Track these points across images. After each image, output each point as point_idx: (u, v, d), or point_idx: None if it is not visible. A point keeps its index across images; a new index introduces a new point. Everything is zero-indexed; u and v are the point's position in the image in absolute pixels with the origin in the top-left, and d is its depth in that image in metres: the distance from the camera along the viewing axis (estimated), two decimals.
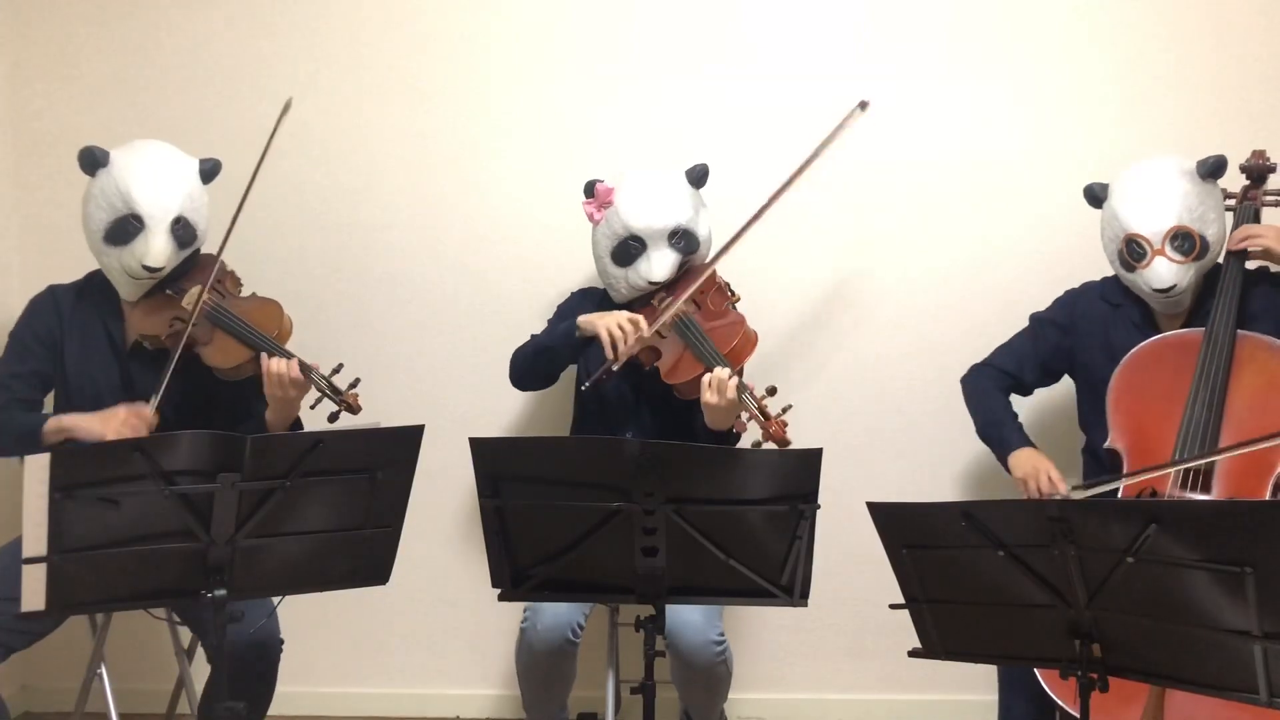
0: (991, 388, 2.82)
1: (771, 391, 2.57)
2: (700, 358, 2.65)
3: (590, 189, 2.88)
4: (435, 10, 3.25)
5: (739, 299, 2.85)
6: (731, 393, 2.52)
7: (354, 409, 2.55)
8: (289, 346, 2.63)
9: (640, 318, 2.69)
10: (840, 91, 3.17)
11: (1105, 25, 3.16)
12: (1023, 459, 2.67)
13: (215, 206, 2.73)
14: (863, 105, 2.70)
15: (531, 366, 2.83)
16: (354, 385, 2.56)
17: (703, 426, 2.63)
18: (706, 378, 2.56)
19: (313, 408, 2.57)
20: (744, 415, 2.57)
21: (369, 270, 3.30)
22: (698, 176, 2.90)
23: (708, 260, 2.84)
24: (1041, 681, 2.36)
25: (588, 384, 2.71)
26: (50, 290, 2.74)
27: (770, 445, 2.48)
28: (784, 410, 2.53)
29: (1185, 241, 2.56)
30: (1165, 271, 2.56)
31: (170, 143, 2.75)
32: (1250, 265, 2.64)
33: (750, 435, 2.62)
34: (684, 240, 2.82)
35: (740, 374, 2.68)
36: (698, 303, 2.80)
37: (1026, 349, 2.82)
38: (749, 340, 2.75)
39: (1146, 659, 1.84)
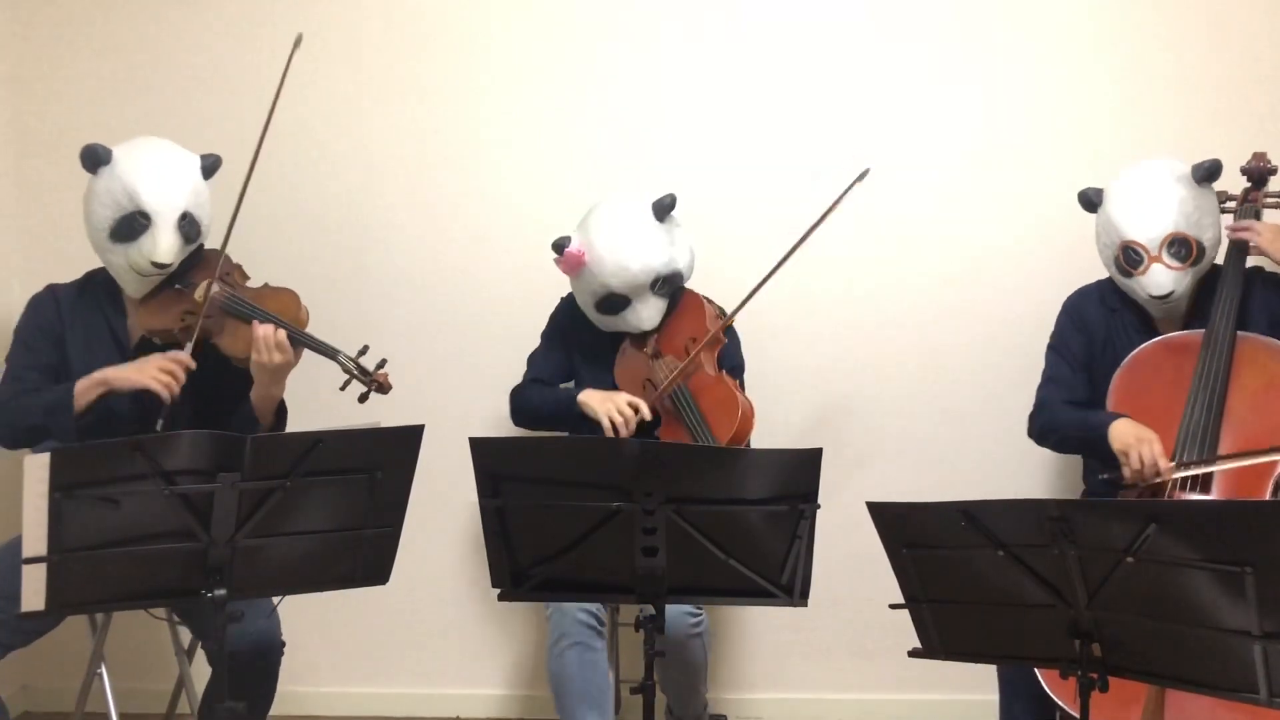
0: (1058, 408, 2.69)
1: None
2: (692, 434, 2.68)
3: (560, 249, 2.84)
4: (435, 10, 3.25)
5: (730, 321, 2.84)
6: None
7: (385, 388, 2.57)
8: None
9: (641, 403, 2.72)
10: (839, 93, 3.20)
11: (1105, 26, 3.16)
12: (1124, 429, 2.49)
13: (216, 203, 2.72)
14: (862, 177, 2.72)
15: (529, 425, 2.90)
16: (381, 365, 2.58)
17: None
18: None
19: (342, 389, 2.57)
20: None
21: (368, 270, 3.30)
22: (663, 209, 2.83)
23: (703, 311, 2.84)
24: (1042, 681, 2.36)
25: None
26: (49, 289, 2.73)
27: None
28: None
29: (1182, 248, 2.56)
30: (1163, 278, 2.55)
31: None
32: (1249, 262, 2.64)
33: None
34: (666, 284, 2.82)
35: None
36: (690, 372, 2.78)
37: (1064, 372, 2.73)
38: (747, 422, 2.73)
39: (1146, 659, 1.84)
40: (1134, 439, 2.46)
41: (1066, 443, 2.72)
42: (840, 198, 2.70)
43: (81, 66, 3.28)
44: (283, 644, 2.54)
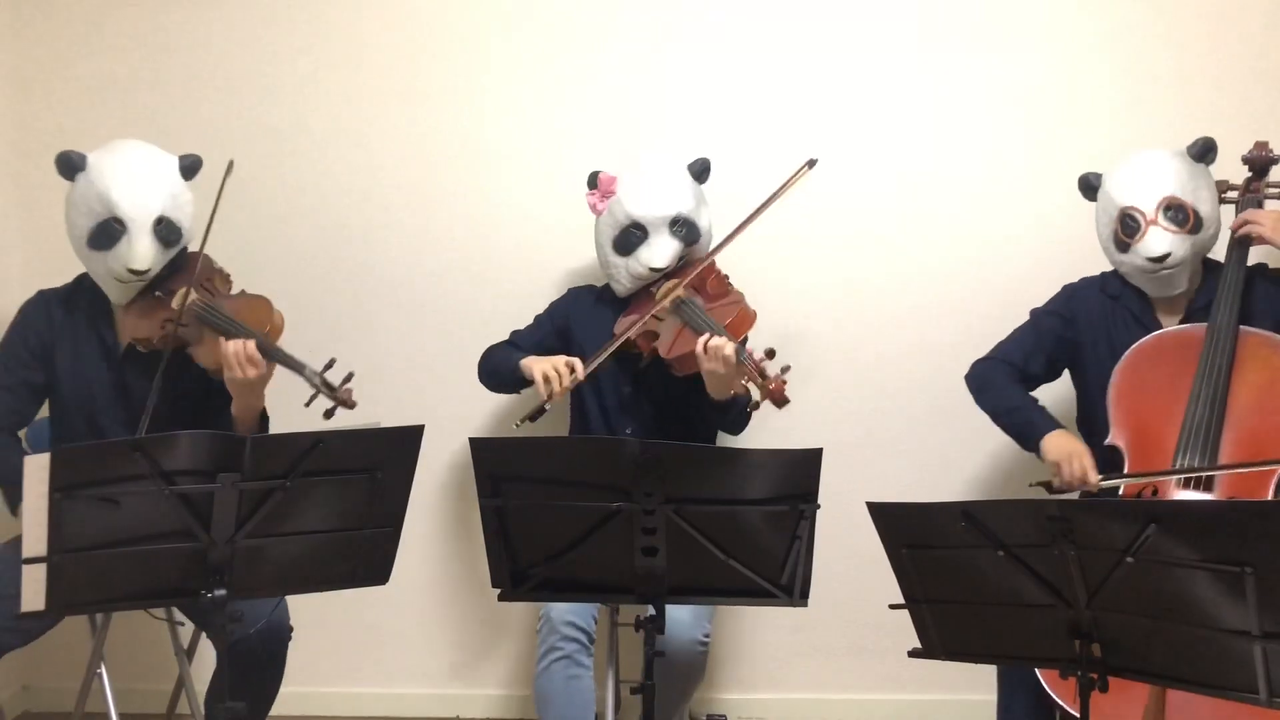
0: (1003, 378, 2.78)
1: (770, 354, 2.54)
2: (698, 331, 2.63)
3: (593, 180, 2.91)
4: (435, 10, 3.25)
5: (721, 249, 2.84)
6: (729, 350, 2.52)
7: (349, 404, 2.50)
8: (281, 342, 2.59)
9: (577, 362, 2.72)
10: (838, 90, 3.20)
11: (1105, 24, 3.16)
12: (1057, 442, 2.60)
13: (206, 205, 2.69)
14: (810, 164, 2.77)
15: (487, 380, 2.93)
16: (347, 380, 2.50)
17: (707, 405, 2.65)
18: (701, 345, 2.56)
19: (307, 405, 2.51)
20: (743, 378, 2.57)
21: (368, 270, 3.30)
22: (700, 170, 2.93)
23: (708, 252, 2.86)
24: (1041, 681, 2.36)
25: (519, 423, 2.70)
26: (41, 295, 2.71)
27: (769, 404, 2.50)
28: (783, 370, 2.51)
29: (1179, 212, 2.57)
30: (1160, 240, 2.56)
31: (169, 143, 2.73)
32: (1253, 256, 2.64)
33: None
34: (685, 228, 2.83)
35: (743, 343, 2.69)
36: (696, 288, 2.81)
37: (1030, 341, 2.79)
38: (747, 316, 2.75)
39: (1146, 659, 1.84)
40: (1067, 454, 2.55)
41: (992, 417, 2.78)
42: (785, 186, 2.77)
43: (81, 66, 3.28)
44: (290, 629, 2.53)
